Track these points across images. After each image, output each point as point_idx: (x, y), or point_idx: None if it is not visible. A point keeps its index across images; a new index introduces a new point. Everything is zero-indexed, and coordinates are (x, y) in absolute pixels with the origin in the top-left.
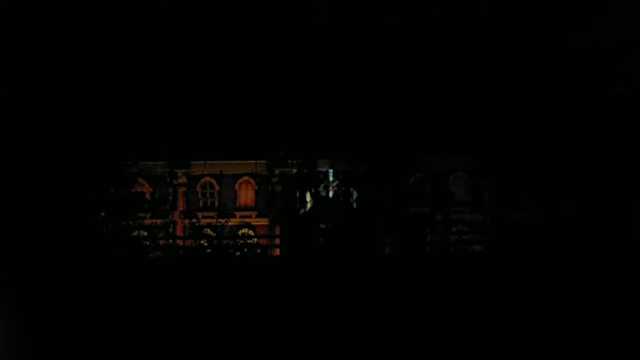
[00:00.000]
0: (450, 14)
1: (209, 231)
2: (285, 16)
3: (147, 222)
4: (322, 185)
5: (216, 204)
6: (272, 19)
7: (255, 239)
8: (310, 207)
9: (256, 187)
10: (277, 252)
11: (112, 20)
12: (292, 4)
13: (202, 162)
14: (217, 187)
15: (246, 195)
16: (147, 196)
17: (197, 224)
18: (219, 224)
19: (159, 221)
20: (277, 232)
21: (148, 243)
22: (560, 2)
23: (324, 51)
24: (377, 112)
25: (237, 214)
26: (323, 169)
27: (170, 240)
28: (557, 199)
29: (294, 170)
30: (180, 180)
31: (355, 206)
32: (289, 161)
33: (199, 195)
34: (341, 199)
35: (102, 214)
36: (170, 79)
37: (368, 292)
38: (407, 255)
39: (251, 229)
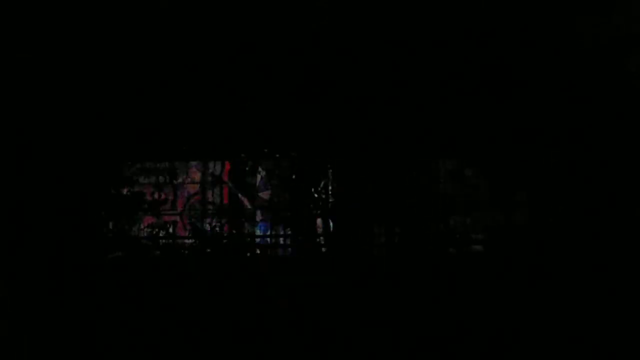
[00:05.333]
0: (450, 13)
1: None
2: (285, 16)
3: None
4: (322, 184)
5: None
6: (272, 19)
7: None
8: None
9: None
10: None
11: (111, 20)
12: (292, 3)
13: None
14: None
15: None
16: (148, 196)
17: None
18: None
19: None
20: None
21: (148, 243)
22: (560, 2)
23: (324, 51)
24: (377, 109)
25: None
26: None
27: (170, 240)
28: (556, 198)
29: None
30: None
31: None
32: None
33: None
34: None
35: (102, 213)
36: (169, 78)
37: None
38: (407, 254)
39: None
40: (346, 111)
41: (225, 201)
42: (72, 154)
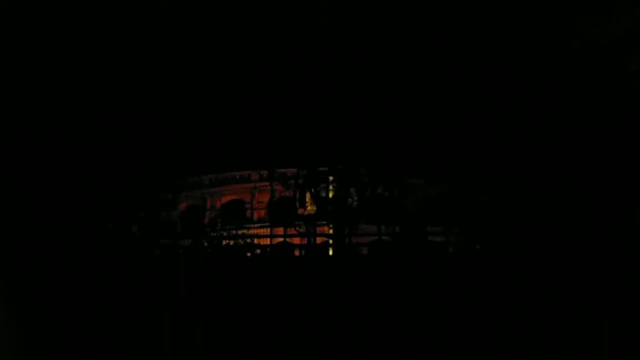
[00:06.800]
0: (450, 13)
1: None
2: (285, 16)
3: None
4: (321, 186)
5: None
6: (272, 19)
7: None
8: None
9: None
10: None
11: (111, 20)
12: (292, 3)
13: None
14: None
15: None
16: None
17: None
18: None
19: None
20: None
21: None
22: (560, 2)
23: (324, 51)
24: (377, 110)
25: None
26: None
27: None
28: (557, 199)
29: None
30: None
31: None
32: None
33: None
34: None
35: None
36: (168, 78)
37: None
38: (407, 253)
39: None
40: (346, 113)
41: None
42: (73, 154)
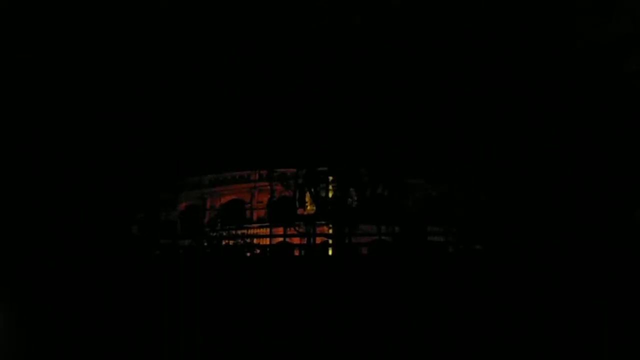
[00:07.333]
0: (450, 13)
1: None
2: (285, 16)
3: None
4: (321, 186)
5: None
6: (272, 19)
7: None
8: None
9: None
10: None
11: (111, 20)
12: (292, 3)
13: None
14: None
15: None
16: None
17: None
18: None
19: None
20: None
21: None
22: (560, 2)
23: (324, 51)
24: (377, 114)
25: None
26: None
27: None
28: (557, 198)
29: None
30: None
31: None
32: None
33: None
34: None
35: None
36: (168, 78)
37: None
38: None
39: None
40: (346, 112)
41: None
42: (73, 153)
